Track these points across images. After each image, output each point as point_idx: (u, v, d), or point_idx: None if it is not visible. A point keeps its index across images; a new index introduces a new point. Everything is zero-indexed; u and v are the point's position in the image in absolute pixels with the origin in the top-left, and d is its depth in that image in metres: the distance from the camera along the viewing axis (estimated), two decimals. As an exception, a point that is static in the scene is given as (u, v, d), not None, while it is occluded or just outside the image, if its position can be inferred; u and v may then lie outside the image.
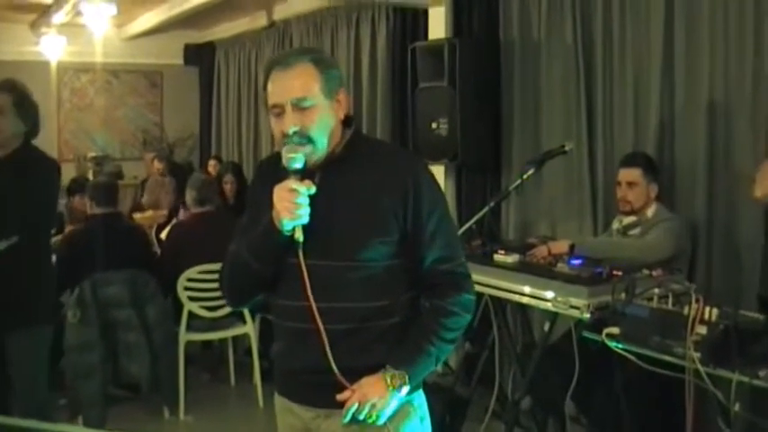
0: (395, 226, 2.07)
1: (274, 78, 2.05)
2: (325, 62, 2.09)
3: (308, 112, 2.02)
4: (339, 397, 2.05)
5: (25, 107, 3.55)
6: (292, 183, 2.01)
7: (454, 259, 2.16)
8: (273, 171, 2.09)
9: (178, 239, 5.23)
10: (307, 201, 2.00)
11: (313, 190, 2.02)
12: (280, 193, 2.01)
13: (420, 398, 2.22)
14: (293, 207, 1.99)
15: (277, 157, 2.09)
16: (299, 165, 2.01)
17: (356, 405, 2.04)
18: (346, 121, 2.16)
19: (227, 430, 4.77)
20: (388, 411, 2.07)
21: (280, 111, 2.04)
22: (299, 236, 2.01)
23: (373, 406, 2.04)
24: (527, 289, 3.46)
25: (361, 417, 2.05)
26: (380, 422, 2.07)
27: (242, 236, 2.19)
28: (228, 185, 6.71)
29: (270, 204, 2.03)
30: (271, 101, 2.06)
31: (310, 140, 2.03)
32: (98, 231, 4.80)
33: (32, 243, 3.51)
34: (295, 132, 2.01)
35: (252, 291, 2.24)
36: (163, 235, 5.84)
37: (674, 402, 2.83)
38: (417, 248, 2.11)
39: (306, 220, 2.01)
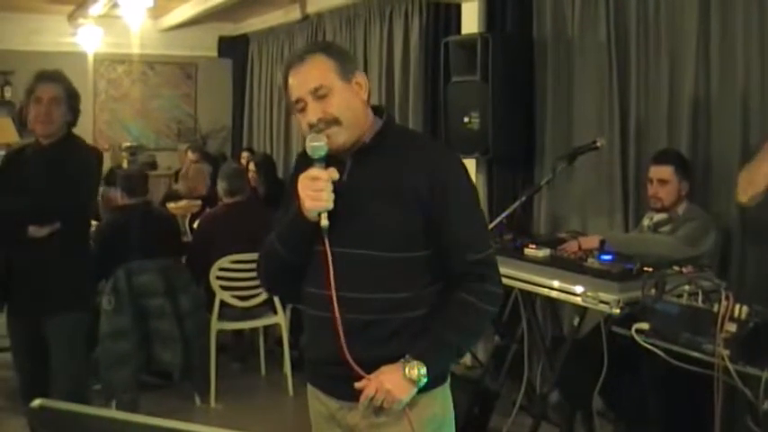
0: (421, 217, 2.07)
1: (291, 76, 2.11)
2: (335, 49, 2.16)
3: (328, 99, 2.06)
4: (357, 385, 2.06)
5: (74, 97, 3.64)
6: (315, 170, 2.04)
7: (481, 251, 2.14)
8: (308, 162, 2.11)
9: (209, 229, 5.29)
10: (330, 187, 2.02)
11: (336, 176, 2.04)
12: (303, 181, 2.05)
13: (444, 391, 2.22)
14: (315, 194, 2.02)
15: None
16: (321, 152, 2.04)
17: (373, 393, 2.04)
18: (377, 111, 2.18)
19: (256, 419, 4.81)
20: (405, 400, 2.06)
21: (303, 105, 2.09)
22: (324, 222, 2.03)
23: (390, 394, 2.03)
24: (557, 283, 3.47)
25: (378, 404, 2.05)
26: (396, 409, 2.06)
27: (277, 225, 2.23)
28: (251, 173, 6.78)
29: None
30: (293, 97, 2.11)
31: (336, 122, 2.06)
32: (130, 221, 4.88)
33: (72, 230, 3.59)
34: (320, 119, 2.05)
35: (284, 278, 2.26)
36: (196, 224, 5.91)
37: (703, 400, 2.82)
38: (443, 239, 2.10)
39: (330, 206, 2.03)
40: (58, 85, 3.58)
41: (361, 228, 2.07)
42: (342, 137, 2.08)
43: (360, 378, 2.06)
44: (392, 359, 2.07)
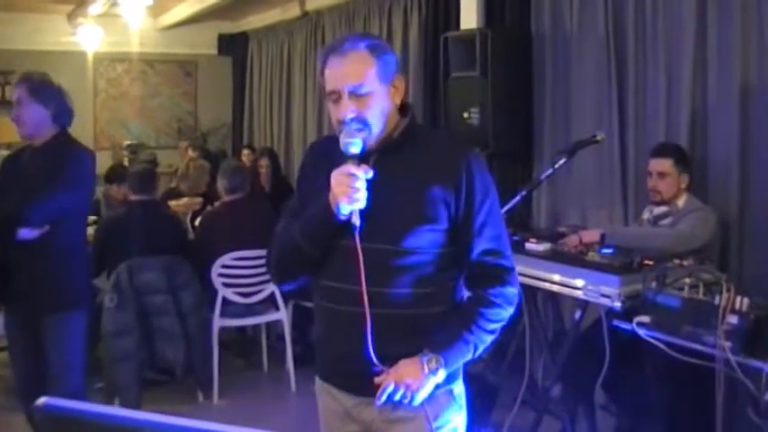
0: (444, 215, 2.08)
1: (330, 65, 2.07)
2: (380, 48, 2.11)
3: (364, 99, 2.05)
4: (376, 380, 2.06)
5: (43, 92, 3.56)
6: (351, 167, 2.02)
7: (500, 252, 2.17)
8: (328, 154, 2.10)
9: (210, 227, 5.30)
10: (365, 185, 2.02)
11: (371, 174, 2.03)
12: (338, 177, 2.02)
13: (460, 386, 2.23)
14: (351, 191, 2.00)
15: (330, 140, 2.11)
16: (356, 149, 2.03)
17: (392, 386, 2.04)
18: (403, 109, 2.17)
19: (259, 414, 4.82)
20: (424, 393, 2.07)
21: (336, 97, 2.07)
22: (356, 220, 2.02)
23: (408, 387, 2.04)
24: (558, 277, 3.48)
25: (396, 398, 2.05)
26: (415, 403, 2.07)
27: (291, 217, 2.22)
28: (264, 170, 6.78)
29: (326, 187, 2.05)
30: (327, 87, 2.08)
31: (366, 125, 2.05)
32: (135, 218, 4.89)
33: (66, 231, 3.56)
34: (352, 119, 2.04)
35: (300, 270, 2.26)
36: (198, 222, 5.92)
37: (705, 392, 2.83)
38: (466, 238, 2.12)
39: (363, 204, 2.02)
40: (18, 87, 3.58)
41: (384, 223, 2.06)
42: (369, 141, 2.07)
43: (380, 373, 2.06)
44: (412, 354, 2.08)
